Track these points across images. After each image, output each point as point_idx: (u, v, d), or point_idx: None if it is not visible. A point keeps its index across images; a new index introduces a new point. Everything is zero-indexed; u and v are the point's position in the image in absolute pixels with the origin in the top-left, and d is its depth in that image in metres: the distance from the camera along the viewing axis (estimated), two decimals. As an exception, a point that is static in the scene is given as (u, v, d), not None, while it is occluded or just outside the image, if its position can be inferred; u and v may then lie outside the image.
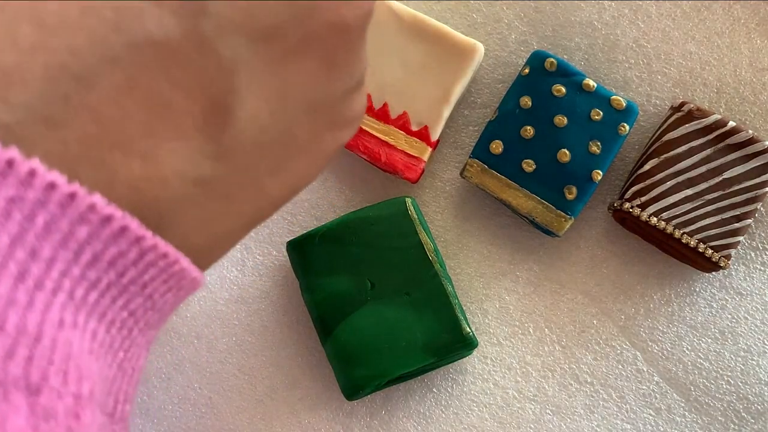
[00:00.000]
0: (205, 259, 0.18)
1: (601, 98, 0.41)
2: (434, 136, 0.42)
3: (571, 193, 0.41)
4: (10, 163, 0.13)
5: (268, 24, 0.16)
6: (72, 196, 0.14)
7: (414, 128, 0.42)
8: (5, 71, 0.13)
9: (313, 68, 0.17)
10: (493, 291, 0.44)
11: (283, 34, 0.16)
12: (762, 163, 0.40)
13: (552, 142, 0.41)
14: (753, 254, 0.43)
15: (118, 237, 0.15)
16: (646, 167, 0.41)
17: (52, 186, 0.14)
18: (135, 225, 0.15)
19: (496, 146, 0.41)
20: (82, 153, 0.14)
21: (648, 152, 0.41)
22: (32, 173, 0.13)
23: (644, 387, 0.43)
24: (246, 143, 0.17)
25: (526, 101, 0.41)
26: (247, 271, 0.44)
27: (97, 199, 0.14)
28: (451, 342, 0.40)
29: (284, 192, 0.20)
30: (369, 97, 0.43)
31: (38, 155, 0.14)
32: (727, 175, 0.40)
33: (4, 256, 0.13)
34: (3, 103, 0.13)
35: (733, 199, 0.41)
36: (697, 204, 0.41)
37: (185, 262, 0.17)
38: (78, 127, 0.14)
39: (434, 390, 0.43)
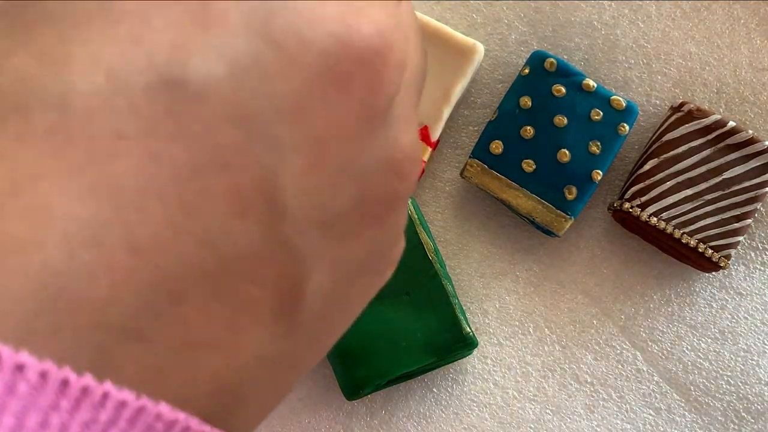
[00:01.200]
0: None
1: (601, 98, 0.41)
2: (434, 136, 0.42)
3: (571, 193, 0.41)
4: (85, 390, 0.13)
5: (336, 213, 0.17)
6: (140, 410, 0.14)
7: (414, 128, 0.42)
8: (101, 298, 0.14)
9: (367, 236, 0.19)
10: (493, 291, 0.44)
11: (347, 218, 0.17)
12: (762, 163, 0.40)
13: (552, 142, 0.41)
14: (753, 254, 0.43)
15: None
16: (646, 167, 0.41)
17: (122, 404, 0.14)
18: (195, 423, 0.15)
19: (496, 146, 0.41)
20: (170, 358, 0.15)
21: (648, 152, 0.41)
22: (105, 395, 0.14)
23: (644, 387, 0.43)
24: (312, 315, 0.18)
25: (526, 101, 0.41)
26: (247, 271, 0.44)
27: (164, 408, 0.15)
28: (451, 342, 0.40)
29: (331, 345, 0.20)
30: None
31: (131, 370, 0.14)
32: (727, 175, 0.40)
33: None
34: (98, 327, 0.14)
35: (733, 199, 0.41)
36: (697, 204, 0.41)
37: None
38: (167, 336, 0.15)
39: (434, 390, 0.43)
